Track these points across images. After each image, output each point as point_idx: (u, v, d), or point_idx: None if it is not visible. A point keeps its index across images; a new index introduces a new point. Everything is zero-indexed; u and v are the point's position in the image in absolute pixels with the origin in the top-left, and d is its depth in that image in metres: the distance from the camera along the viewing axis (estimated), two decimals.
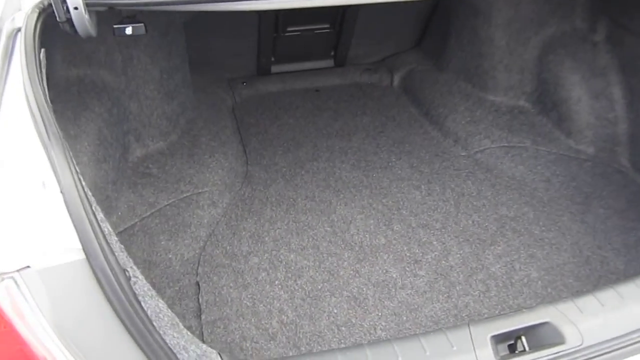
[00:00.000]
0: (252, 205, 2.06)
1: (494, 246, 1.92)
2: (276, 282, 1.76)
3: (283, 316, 1.65)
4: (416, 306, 1.70)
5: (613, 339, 1.21)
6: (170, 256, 1.82)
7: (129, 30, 1.36)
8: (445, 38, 2.66)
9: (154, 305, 1.01)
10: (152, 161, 2.13)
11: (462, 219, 2.04)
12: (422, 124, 2.57)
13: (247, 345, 1.56)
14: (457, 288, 1.77)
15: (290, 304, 1.68)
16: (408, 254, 1.89)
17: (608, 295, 1.31)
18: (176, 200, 2.00)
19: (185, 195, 2.02)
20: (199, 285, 1.73)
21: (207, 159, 2.18)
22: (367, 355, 1.17)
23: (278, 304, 1.68)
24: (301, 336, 1.59)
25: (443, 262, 1.86)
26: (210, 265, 1.80)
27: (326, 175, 2.24)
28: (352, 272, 1.81)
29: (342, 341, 1.59)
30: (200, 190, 2.05)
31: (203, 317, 1.63)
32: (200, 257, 1.83)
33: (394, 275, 1.80)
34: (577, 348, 1.19)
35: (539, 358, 1.18)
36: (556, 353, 1.18)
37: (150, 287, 1.04)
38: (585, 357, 1.18)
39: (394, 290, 1.75)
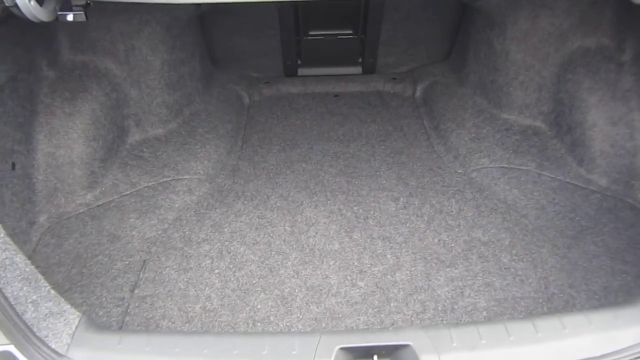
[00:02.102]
0: (226, 197, 2.14)
1: (450, 268, 1.80)
2: (216, 270, 1.81)
3: (207, 303, 1.70)
4: (340, 316, 1.66)
5: None
6: (133, 233, 1.95)
7: (70, 17, 1.50)
8: (465, 51, 2.53)
9: (4, 257, 1.11)
10: (147, 146, 2.30)
11: (428, 236, 1.94)
12: (429, 136, 2.48)
13: (164, 323, 1.63)
14: (391, 304, 1.69)
15: (219, 293, 1.73)
16: (356, 264, 1.84)
17: (497, 329, 1.20)
18: (156, 184, 2.14)
19: (165, 179, 2.15)
20: (144, 262, 1.84)
21: (197, 149, 2.30)
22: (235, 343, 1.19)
23: (208, 291, 1.74)
24: (216, 324, 1.63)
25: (389, 276, 1.79)
26: (164, 246, 1.90)
27: (309, 177, 2.25)
28: (292, 272, 1.81)
29: (302, 331, 1.59)
30: (180, 177, 2.17)
31: (136, 291, 1.73)
32: (158, 238, 1.94)
33: (332, 282, 1.77)
34: None
35: None
36: None
37: (9, 241, 1.14)
38: None
39: (325, 296, 1.72)
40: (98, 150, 2.09)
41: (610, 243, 1.86)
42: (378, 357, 1.16)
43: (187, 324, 1.63)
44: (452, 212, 2.04)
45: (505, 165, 2.18)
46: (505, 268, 1.80)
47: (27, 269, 1.23)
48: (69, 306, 1.28)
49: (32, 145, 1.94)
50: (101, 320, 1.63)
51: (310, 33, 2.71)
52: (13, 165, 1.85)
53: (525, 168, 2.16)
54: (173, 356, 1.18)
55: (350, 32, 2.69)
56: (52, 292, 1.28)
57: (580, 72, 2.13)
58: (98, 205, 2.04)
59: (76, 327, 1.23)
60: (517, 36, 2.21)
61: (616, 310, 1.25)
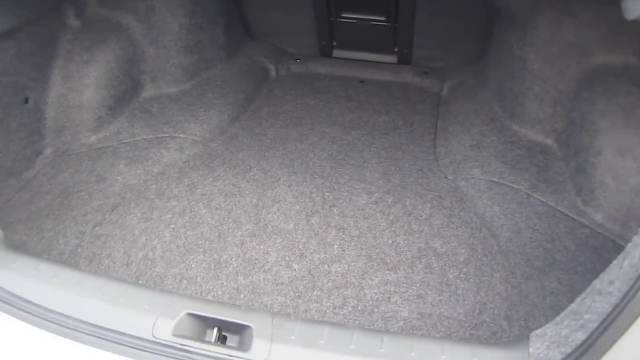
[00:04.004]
0: (212, 162, 2.23)
1: (390, 272, 1.75)
2: (172, 225, 1.92)
3: (150, 253, 1.81)
4: (261, 292, 1.69)
5: None
6: (118, 178, 2.12)
7: None
8: (489, 53, 2.37)
9: None
10: (158, 102, 2.45)
11: (385, 235, 1.89)
12: (436, 137, 2.37)
13: (106, 262, 1.77)
14: (314, 293, 1.69)
15: (165, 247, 1.83)
16: (300, 247, 1.85)
17: (360, 337, 1.17)
18: (153, 137, 2.28)
19: (162, 135, 2.29)
20: (116, 205, 1.99)
21: (201, 112, 2.41)
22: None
23: (156, 242, 1.85)
24: (147, 274, 1.73)
25: (325, 266, 1.78)
26: (139, 195, 2.05)
27: (297, 156, 2.27)
28: (238, 242, 1.86)
29: (173, 291, 1.68)
30: (176, 135, 2.30)
31: (96, 229, 1.89)
32: (136, 186, 2.08)
33: (269, 259, 1.80)
34: None
35: (211, 353, 1.14)
36: (231, 357, 1.14)
37: None
38: None
39: (256, 271, 1.76)
40: (107, 98, 2.27)
41: (578, 284, 1.69)
42: (221, 330, 1.19)
43: (124, 267, 1.76)
44: (421, 217, 1.97)
45: (495, 180, 2.04)
46: (446, 284, 1.71)
47: None
48: None
49: (47, 85, 2.16)
50: (59, 246, 1.81)
51: (343, 15, 2.68)
52: (26, 99, 2.08)
53: (515, 186, 2.00)
54: (67, 290, 1.29)
55: (383, 18, 2.62)
56: None
57: (597, 91, 1.91)
58: (98, 148, 2.24)
59: None
60: (536, 43, 2.03)
61: (490, 349, 1.16)
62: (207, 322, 1.20)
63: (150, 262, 1.78)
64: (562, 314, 1.11)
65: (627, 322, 0.94)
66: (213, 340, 1.17)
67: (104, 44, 2.25)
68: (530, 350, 1.11)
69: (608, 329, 0.97)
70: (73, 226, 1.90)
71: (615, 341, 0.96)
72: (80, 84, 2.21)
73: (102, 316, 1.19)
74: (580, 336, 1.03)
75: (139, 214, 1.96)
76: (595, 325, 1.00)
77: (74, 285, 1.27)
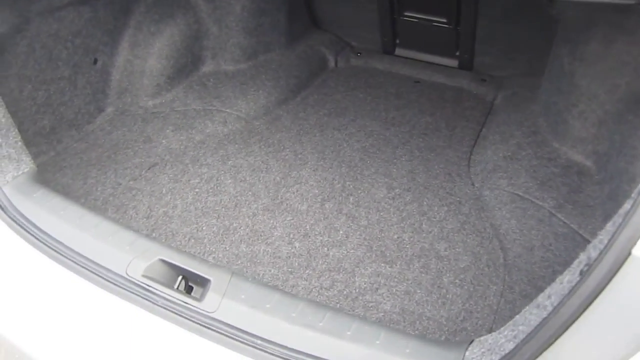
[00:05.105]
0: (250, 138, 2.35)
1: (386, 265, 1.76)
2: (196, 189, 2.06)
3: (170, 210, 1.96)
4: (257, 261, 1.77)
5: (237, 329, 1.17)
6: (163, 141, 2.30)
7: None
8: (544, 65, 2.25)
9: None
10: (214, 77, 2.61)
11: (392, 230, 1.90)
12: (475, 144, 2.31)
13: (130, 213, 1.95)
14: (306, 271, 1.74)
15: (185, 207, 1.97)
16: (307, 227, 1.91)
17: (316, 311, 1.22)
18: (202, 109, 2.45)
19: (210, 108, 2.45)
20: (153, 164, 2.17)
21: (252, 91, 2.54)
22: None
23: (178, 202, 2.00)
24: (162, 228, 1.88)
25: (325, 249, 1.83)
26: (175, 158, 2.21)
27: (331, 144, 2.32)
28: (250, 213, 1.96)
29: (180, 249, 1.81)
30: (222, 109, 2.44)
31: (130, 182, 2.07)
32: (176, 151, 2.25)
33: (275, 234, 1.88)
34: (203, 312, 1.22)
35: (169, 297, 1.25)
36: (185, 304, 1.23)
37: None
38: (202, 324, 1.20)
39: (258, 241, 1.85)
40: (167, 68, 2.47)
41: None
42: (187, 280, 1.29)
43: (145, 219, 1.93)
44: (435, 218, 1.95)
45: (520, 194, 1.96)
46: (438, 286, 1.69)
47: (4, 120, 1.63)
48: (29, 158, 1.66)
49: (116, 50, 2.40)
50: (95, 193, 2.02)
51: (406, 14, 2.68)
52: (95, 60, 2.33)
53: (540, 203, 1.91)
54: (68, 222, 1.46)
55: (445, 20, 2.59)
56: (20, 143, 1.67)
57: None
58: (152, 112, 2.44)
59: (22, 174, 1.60)
60: (587, 58, 1.91)
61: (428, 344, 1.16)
62: (176, 271, 1.30)
63: (168, 219, 1.93)
64: (506, 324, 1.09)
65: (547, 334, 0.91)
66: (176, 287, 1.27)
67: (171, 19, 2.45)
68: (467, 353, 1.10)
69: (531, 341, 0.94)
70: (112, 177, 2.10)
71: (535, 355, 0.94)
72: (145, 53, 2.43)
73: (89, 248, 1.34)
74: (510, 346, 1.00)
75: (171, 175, 2.13)
76: (523, 336, 0.97)
77: (76, 219, 1.43)
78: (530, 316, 1.00)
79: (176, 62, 2.50)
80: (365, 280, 1.72)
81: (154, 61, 2.44)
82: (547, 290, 1.01)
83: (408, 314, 1.61)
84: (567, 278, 0.96)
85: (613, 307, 0.86)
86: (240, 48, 2.63)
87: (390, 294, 1.67)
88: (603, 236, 0.91)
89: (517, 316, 1.06)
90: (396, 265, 1.76)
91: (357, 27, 2.94)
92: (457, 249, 1.82)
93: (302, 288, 1.69)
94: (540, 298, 1.01)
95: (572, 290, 0.91)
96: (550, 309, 0.95)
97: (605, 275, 0.86)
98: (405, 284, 1.70)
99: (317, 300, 1.64)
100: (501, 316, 1.59)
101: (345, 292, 1.68)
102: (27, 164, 1.64)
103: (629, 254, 0.85)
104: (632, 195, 0.89)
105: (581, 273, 0.92)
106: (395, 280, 1.71)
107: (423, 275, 1.73)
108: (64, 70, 2.19)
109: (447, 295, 1.66)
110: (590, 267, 0.89)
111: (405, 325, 1.57)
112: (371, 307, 1.63)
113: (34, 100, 2.09)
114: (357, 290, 1.68)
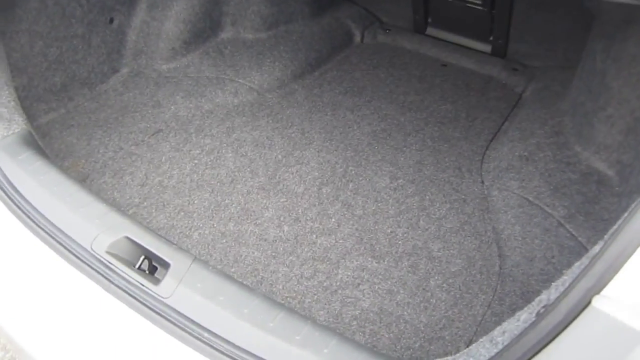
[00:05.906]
0: (259, 111, 2.28)
1: (372, 260, 1.69)
2: (195, 161, 2.03)
3: (166, 180, 1.94)
4: (242, 242, 1.74)
5: (187, 318, 1.14)
6: (172, 107, 2.27)
7: None
8: (577, 61, 2.06)
9: None
10: (232, 45, 2.54)
11: (387, 223, 1.81)
12: (493, 138, 2.17)
13: (126, 179, 1.94)
14: (289, 258, 1.69)
15: (179, 178, 1.95)
16: (299, 211, 1.85)
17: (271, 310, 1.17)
18: (214, 77, 2.39)
19: (222, 76, 2.39)
20: (158, 131, 2.15)
21: (268, 62, 2.46)
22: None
23: (175, 172, 1.97)
24: (154, 198, 1.87)
25: (313, 236, 1.77)
26: (181, 126, 2.17)
27: (341, 125, 2.23)
28: (245, 191, 1.92)
29: (168, 222, 1.79)
30: (235, 79, 2.38)
31: (132, 147, 2.06)
32: (182, 118, 2.22)
33: (265, 215, 1.83)
34: (157, 296, 1.19)
35: (127, 277, 1.22)
36: (141, 285, 1.21)
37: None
38: (154, 309, 1.17)
39: (247, 221, 1.81)
40: (184, 33, 2.41)
41: None
42: (151, 261, 1.26)
43: (139, 187, 1.92)
44: (434, 215, 1.85)
45: (530, 198, 1.83)
46: (423, 289, 1.62)
47: None
48: (22, 119, 1.65)
49: (133, 11, 2.35)
50: (96, 155, 2.02)
51: None
52: (111, 20, 2.30)
53: (549, 211, 1.78)
54: (45, 187, 1.45)
55: (479, 2, 2.41)
56: (13, 103, 1.67)
57: None
58: (165, 77, 2.41)
59: (12, 134, 1.60)
60: (621, 58, 1.72)
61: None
62: (140, 250, 1.28)
63: (162, 189, 1.91)
64: (459, 353, 1.01)
65: None
66: (137, 266, 1.25)
67: None
68: None
69: None
70: (116, 141, 2.10)
71: None
72: (162, 15, 2.38)
73: (59, 217, 1.33)
74: None
75: (173, 143, 2.10)
76: None
77: (54, 186, 1.42)
78: (482, 350, 0.92)
79: (194, 27, 2.44)
80: (349, 273, 1.65)
81: (171, 24, 2.39)
82: (504, 325, 0.92)
83: (386, 314, 1.54)
84: (524, 316, 0.87)
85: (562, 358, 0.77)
86: (261, 16, 2.54)
87: (372, 291, 1.60)
88: (567, 277, 0.82)
89: (472, 346, 0.98)
90: (384, 262, 1.69)
91: (389, 1, 2.78)
92: (451, 251, 1.73)
93: (282, 275, 1.65)
94: (496, 332, 0.93)
95: (524, 332, 0.82)
96: (501, 347, 0.87)
97: (559, 323, 0.77)
98: (389, 282, 1.63)
99: (295, 289, 1.60)
100: (484, 328, 1.50)
101: (325, 284, 1.62)
102: (18, 125, 1.64)
103: (589, 303, 0.75)
104: (605, 237, 0.79)
105: (537, 314, 0.83)
106: (380, 277, 1.65)
107: (410, 275, 1.65)
108: (77, 28, 2.17)
109: (431, 300, 1.58)
110: (546, 309, 0.80)
111: (380, 327, 1.51)
112: (349, 302, 1.57)
113: (45, 57, 2.09)
114: (337, 284, 1.62)
